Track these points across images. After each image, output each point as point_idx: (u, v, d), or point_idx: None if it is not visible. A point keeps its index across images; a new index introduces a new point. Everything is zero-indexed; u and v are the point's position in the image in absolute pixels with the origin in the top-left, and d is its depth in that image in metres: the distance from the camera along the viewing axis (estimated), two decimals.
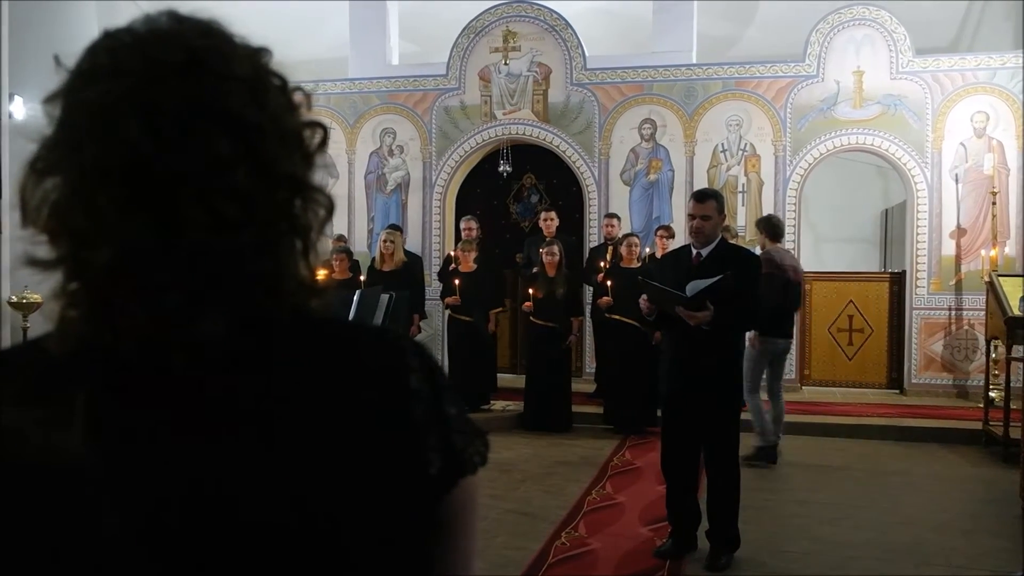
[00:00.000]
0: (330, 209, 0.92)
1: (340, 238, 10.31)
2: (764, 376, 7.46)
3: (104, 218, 0.81)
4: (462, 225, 9.67)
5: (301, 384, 0.86)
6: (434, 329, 10.71)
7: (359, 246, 11.11)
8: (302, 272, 0.90)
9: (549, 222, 9.49)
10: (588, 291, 9.95)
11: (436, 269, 10.70)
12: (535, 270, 8.92)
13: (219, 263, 0.84)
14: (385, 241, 9.20)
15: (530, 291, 8.66)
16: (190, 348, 0.83)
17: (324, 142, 0.93)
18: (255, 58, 0.90)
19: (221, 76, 0.85)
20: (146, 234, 0.81)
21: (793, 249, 10.36)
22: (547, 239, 9.06)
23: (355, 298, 6.43)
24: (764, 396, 7.44)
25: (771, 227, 7.59)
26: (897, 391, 10.37)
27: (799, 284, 7.59)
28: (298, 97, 0.92)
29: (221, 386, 0.84)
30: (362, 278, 8.87)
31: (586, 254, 10.53)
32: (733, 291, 4.72)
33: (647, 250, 9.26)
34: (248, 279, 0.86)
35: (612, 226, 9.66)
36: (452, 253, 9.51)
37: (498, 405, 9.31)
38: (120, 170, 0.81)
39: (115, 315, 0.82)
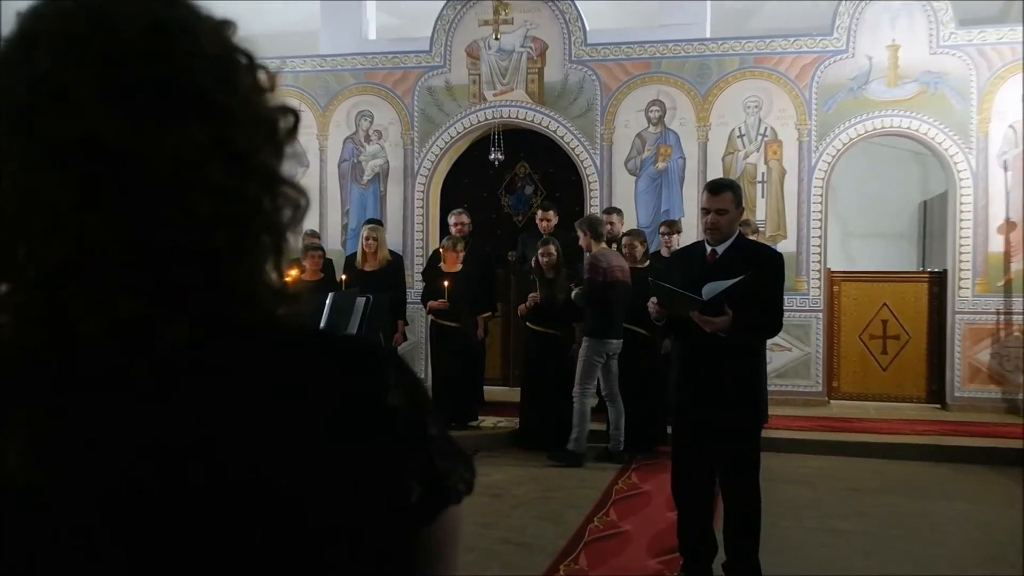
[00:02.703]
0: (304, 205, 0.92)
1: (311, 234, 10.30)
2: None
3: (56, 212, 0.81)
4: (451, 220, 9.66)
5: (266, 403, 0.86)
6: (416, 336, 10.70)
7: (332, 243, 11.09)
8: (272, 276, 0.90)
9: (546, 223, 9.48)
10: None
11: (420, 269, 10.70)
12: (532, 264, 8.93)
13: (187, 265, 0.84)
14: (368, 238, 9.19)
15: (531, 295, 8.66)
16: (149, 359, 0.83)
17: (295, 129, 0.93)
18: (222, 32, 0.89)
19: (188, 52, 0.85)
20: (104, 231, 0.81)
21: (819, 245, 10.39)
22: (543, 237, 9.06)
23: (327, 302, 6.42)
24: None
25: (593, 227, 8.08)
26: (938, 406, 10.39)
27: (627, 283, 8.03)
28: (264, 77, 0.92)
29: (181, 403, 0.84)
30: (343, 278, 8.86)
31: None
32: (754, 294, 4.72)
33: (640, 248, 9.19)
34: (217, 284, 0.86)
35: (612, 223, 9.64)
36: (440, 249, 9.49)
37: (488, 421, 9.31)
38: (78, 159, 0.81)
39: (63, 321, 0.82)
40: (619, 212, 9.86)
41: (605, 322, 8.00)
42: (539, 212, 9.71)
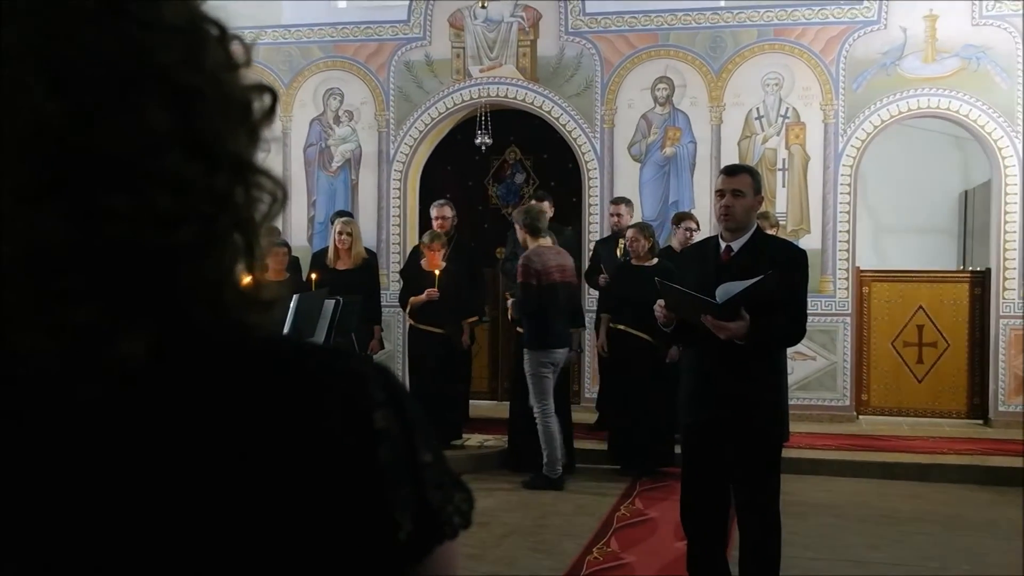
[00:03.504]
0: (280, 198, 0.92)
1: (272, 230, 10.26)
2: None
3: None
4: (433, 213, 9.65)
5: (231, 429, 0.85)
6: (393, 344, 10.69)
7: (297, 239, 11.08)
8: (243, 279, 0.90)
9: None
10: (589, 298, 9.96)
11: (396, 268, 10.69)
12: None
13: (146, 268, 0.83)
14: (341, 232, 9.17)
15: (507, 295, 8.69)
16: (102, 373, 0.82)
17: (272, 110, 0.92)
18: (187, 1, 0.88)
19: (148, 24, 0.84)
20: (55, 229, 0.80)
21: (847, 241, 10.42)
22: None
23: (291, 305, 6.41)
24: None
25: (530, 220, 7.95)
26: (980, 422, 10.43)
27: (569, 284, 8.08)
28: (237, 50, 0.91)
29: (132, 427, 0.84)
30: (312, 276, 8.83)
31: (586, 248, 10.55)
32: (775, 296, 4.73)
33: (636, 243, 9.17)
34: (180, 288, 0.85)
35: (619, 215, 9.65)
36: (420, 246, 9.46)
37: (474, 440, 9.31)
38: (21, 145, 0.80)
39: (2, 330, 0.81)
40: (627, 203, 9.83)
41: (544, 331, 8.03)
42: (533, 203, 9.70)
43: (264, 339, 0.92)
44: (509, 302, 8.41)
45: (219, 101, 0.87)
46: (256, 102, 0.91)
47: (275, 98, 0.93)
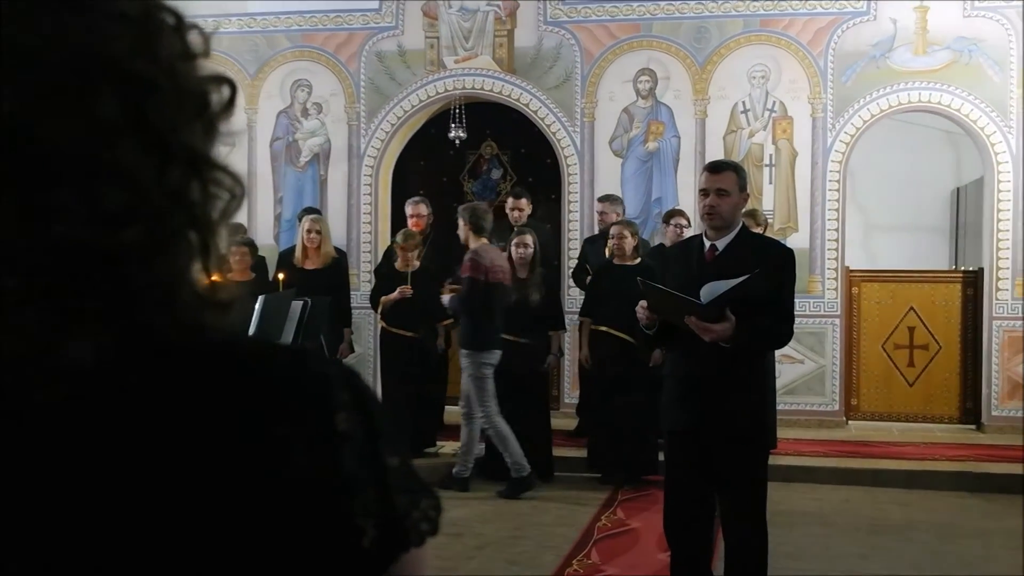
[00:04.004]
0: (239, 195, 0.91)
1: (237, 228, 10.24)
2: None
3: None
4: (408, 210, 9.64)
5: (190, 431, 0.85)
6: (363, 347, 10.67)
7: (262, 237, 11.04)
8: (199, 279, 0.89)
9: (517, 212, 9.49)
10: (569, 299, 9.98)
11: (367, 268, 10.67)
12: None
13: (95, 267, 0.82)
14: (310, 231, 9.15)
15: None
16: (47, 380, 0.81)
17: (231, 103, 0.92)
18: None
19: (99, 12, 0.84)
20: None
21: (836, 239, 10.46)
22: (517, 227, 9.06)
23: (256, 307, 6.39)
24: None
25: (474, 218, 8.10)
26: (973, 427, 10.49)
27: (507, 286, 8.26)
28: (195, 40, 0.91)
29: (83, 433, 0.83)
30: (280, 276, 8.79)
31: (565, 247, 10.57)
32: (761, 296, 4.75)
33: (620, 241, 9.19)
34: (132, 289, 0.85)
35: (605, 212, 9.65)
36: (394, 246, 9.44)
37: (448, 447, 9.29)
38: None
39: None
40: (615, 200, 9.84)
41: (486, 330, 8.14)
42: (510, 200, 9.71)
43: (222, 340, 0.91)
44: (445, 298, 8.41)
45: (174, 92, 0.87)
46: (214, 94, 0.91)
47: (234, 90, 0.92)
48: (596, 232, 9.94)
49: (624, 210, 9.89)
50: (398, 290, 8.78)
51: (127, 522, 0.82)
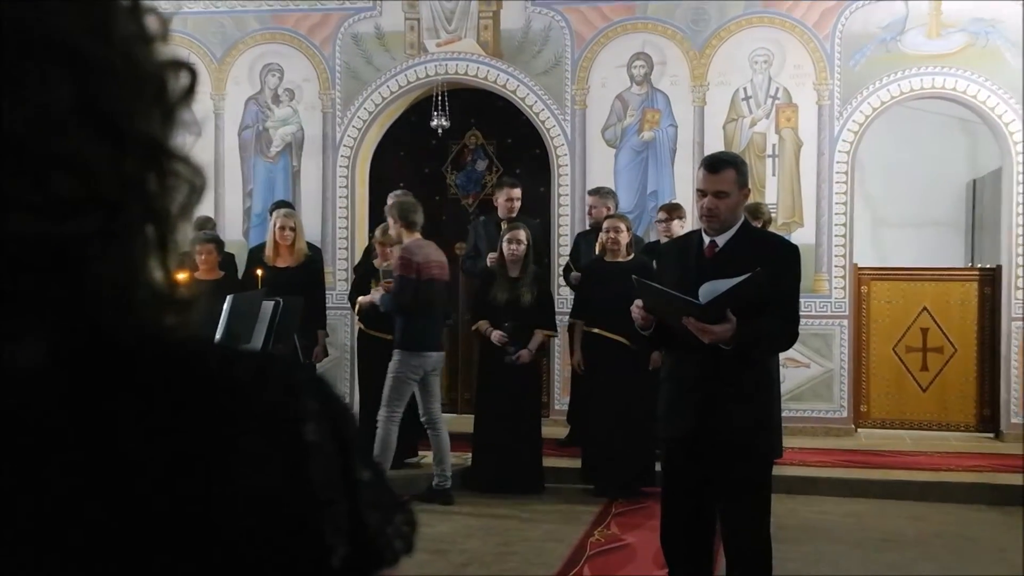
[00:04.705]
0: (199, 186, 0.91)
1: (205, 222, 10.22)
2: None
3: None
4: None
5: (143, 444, 0.84)
6: (339, 350, 10.65)
7: (231, 232, 11.03)
8: (156, 276, 0.89)
9: (511, 203, 9.46)
10: (559, 298, 9.97)
11: (343, 266, 10.66)
12: (489, 264, 8.93)
13: (42, 263, 0.82)
14: (283, 227, 9.13)
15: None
16: None
17: (191, 89, 0.92)
18: None
19: None
20: None
21: (843, 235, 10.48)
22: (508, 221, 9.05)
23: (225, 307, 6.38)
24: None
25: (405, 213, 8.11)
26: (990, 435, 10.52)
27: (445, 283, 8.37)
28: (152, 23, 0.91)
29: (31, 444, 0.83)
30: (259, 273, 8.75)
31: (555, 243, 10.56)
32: (764, 296, 4.75)
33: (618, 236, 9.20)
34: (86, 287, 0.84)
35: (596, 206, 9.65)
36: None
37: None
38: None
39: None
40: (607, 192, 9.82)
41: (420, 330, 8.13)
42: (504, 191, 9.60)
43: (181, 344, 0.91)
44: (377, 295, 8.40)
45: (129, 77, 0.86)
46: (172, 80, 0.91)
47: (194, 76, 0.92)
48: (588, 227, 9.94)
49: (617, 203, 9.88)
50: (375, 288, 8.74)
51: (74, 542, 0.82)
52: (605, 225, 8.68)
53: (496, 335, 8.56)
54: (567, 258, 10.08)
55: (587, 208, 9.98)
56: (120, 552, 0.82)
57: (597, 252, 8.94)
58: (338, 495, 0.91)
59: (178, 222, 0.90)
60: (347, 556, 0.91)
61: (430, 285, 8.08)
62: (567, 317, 9.47)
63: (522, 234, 8.57)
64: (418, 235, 8.21)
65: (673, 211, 9.18)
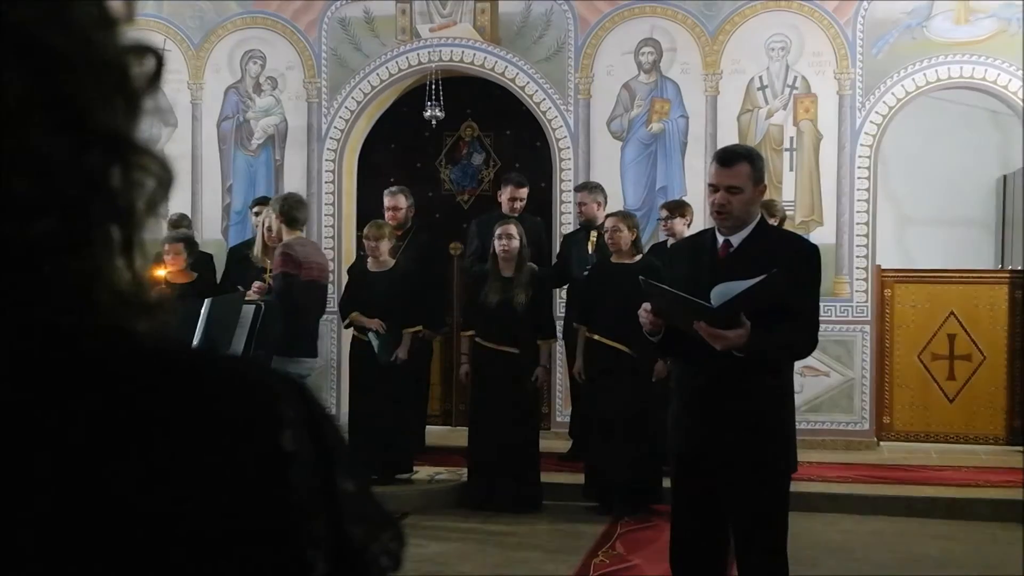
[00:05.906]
0: (168, 181, 0.91)
1: (179, 220, 10.22)
2: None
3: None
4: (385, 202, 9.64)
5: (107, 455, 0.84)
6: (326, 356, 10.65)
7: (209, 231, 11.04)
8: (122, 277, 0.88)
9: (514, 203, 9.45)
10: (560, 301, 9.98)
11: (331, 266, 10.66)
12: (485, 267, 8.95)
13: (1, 265, 0.82)
14: (270, 228, 9.12)
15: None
16: None
17: (157, 76, 0.92)
18: None
19: None
20: None
21: (866, 234, 10.48)
22: (503, 218, 9.05)
23: (202, 311, 6.39)
24: None
25: (287, 209, 8.11)
26: (1021, 448, 10.52)
27: (325, 286, 8.50)
28: (116, 8, 0.90)
29: None
30: (267, 280, 8.74)
31: (557, 243, 10.56)
32: (781, 299, 4.75)
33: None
34: (44, 289, 0.84)
35: (585, 203, 9.62)
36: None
37: (424, 473, 9.29)
38: None
39: None
40: (596, 188, 9.78)
41: (298, 334, 8.03)
42: (509, 188, 9.56)
43: (151, 348, 0.91)
44: (254, 297, 8.41)
45: (89, 65, 0.86)
46: (136, 66, 0.90)
47: (160, 61, 0.92)
48: (578, 226, 9.90)
49: (606, 198, 9.78)
50: (371, 323, 8.83)
51: (31, 555, 0.82)
52: (607, 223, 8.67)
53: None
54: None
55: (576, 206, 9.93)
56: (83, 569, 0.82)
57: (588, 252, 8.95)
58: (318, 508, 0.91)
59: (145, 220, 0.90)
60: (327, 573, 0.90)
61: (311, 287, 8.08)
62: (572, 323, 9.47)
63: (513, 229, 8.55)
64: (300, 232, 8.25)
65: (675, 209, 9.18)
